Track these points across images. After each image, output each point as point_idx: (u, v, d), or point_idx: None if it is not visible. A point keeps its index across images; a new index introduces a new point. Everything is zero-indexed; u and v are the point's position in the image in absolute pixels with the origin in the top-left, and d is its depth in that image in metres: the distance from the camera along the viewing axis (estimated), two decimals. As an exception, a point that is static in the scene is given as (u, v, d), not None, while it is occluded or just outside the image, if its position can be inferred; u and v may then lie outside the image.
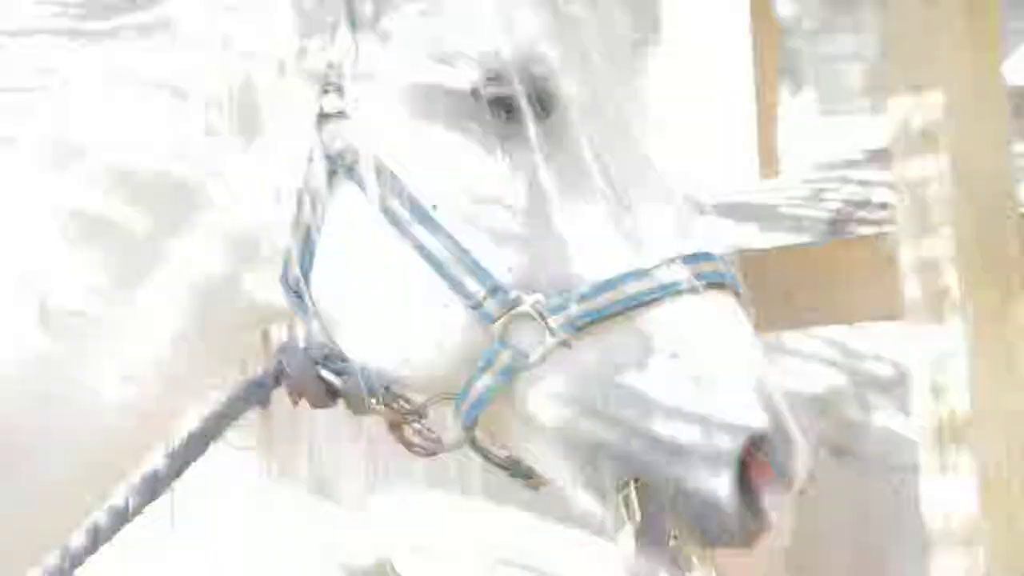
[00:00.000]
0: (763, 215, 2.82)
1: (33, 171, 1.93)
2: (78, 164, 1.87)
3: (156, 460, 1.86)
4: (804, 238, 2.69)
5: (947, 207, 1.90)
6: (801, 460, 1.69)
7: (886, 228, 2.18)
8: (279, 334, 1.96)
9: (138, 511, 1.81)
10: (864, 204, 2.69)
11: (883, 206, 2.55)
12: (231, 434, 1.95)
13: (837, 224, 2.71)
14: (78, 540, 1.79)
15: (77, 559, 1.78)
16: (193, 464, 1.86)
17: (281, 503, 2.56)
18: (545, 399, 1.72)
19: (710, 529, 1.66)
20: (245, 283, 1.88)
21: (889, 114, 1.98)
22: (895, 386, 2.46)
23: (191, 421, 1.90)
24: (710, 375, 1.69)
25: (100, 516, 1.80)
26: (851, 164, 2.89)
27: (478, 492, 2.06)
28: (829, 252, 2.36)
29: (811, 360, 2.60)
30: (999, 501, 1.86)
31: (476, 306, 1.71)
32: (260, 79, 1.85)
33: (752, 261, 2.12)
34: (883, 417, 2.52)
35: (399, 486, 2.56)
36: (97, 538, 1.80)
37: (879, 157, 2.58)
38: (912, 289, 1.94)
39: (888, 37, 2.02)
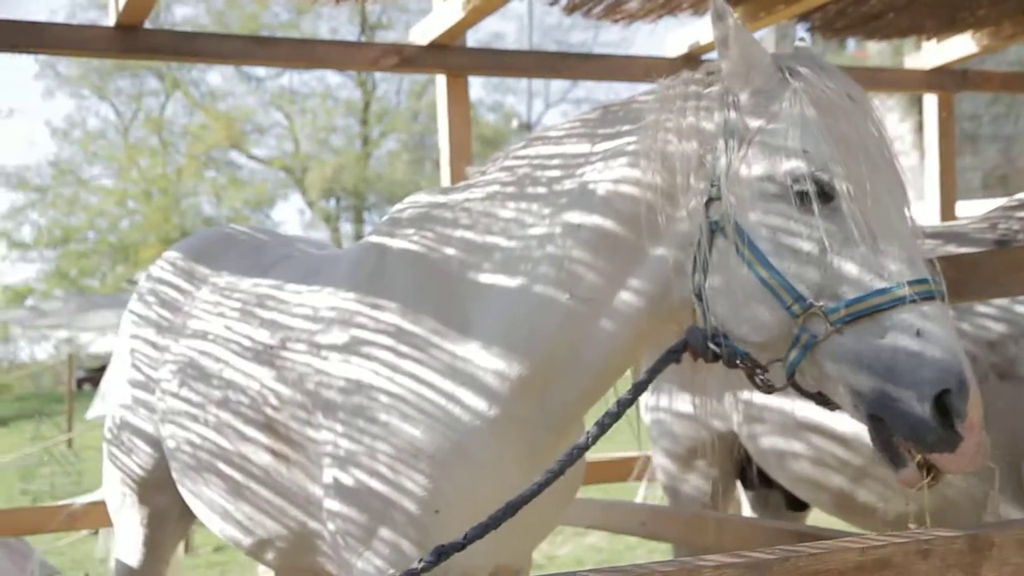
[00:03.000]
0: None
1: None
2: (592, 200, 2.37)
3: (639, 377, 2.34)
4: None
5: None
6: (974, 403, 1.95)
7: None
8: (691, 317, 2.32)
9: (629, 405, 2.29)
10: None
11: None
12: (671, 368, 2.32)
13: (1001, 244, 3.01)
14: (608, 414, 2.27)
15: (615, 417, 2.26)
16: (647, 388, 2.33)
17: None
18: (827, 361, 2.07)
19: (922, 440, 1.96)
20: (679, 284, 2.30)
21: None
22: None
23: (645, 364, 2.38)
24: (921, 351, 1.97)
25: (624, 395, 2.30)
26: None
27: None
28: (989, 257, 2.58)
29: (990, 318, 2.96)
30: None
31: (788, 308, 2.09)
32: (679, 175, 2.27)
33: (967, 260, 2.60)
34: None
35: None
36: (618, 411, 2.28)
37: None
38: None
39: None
